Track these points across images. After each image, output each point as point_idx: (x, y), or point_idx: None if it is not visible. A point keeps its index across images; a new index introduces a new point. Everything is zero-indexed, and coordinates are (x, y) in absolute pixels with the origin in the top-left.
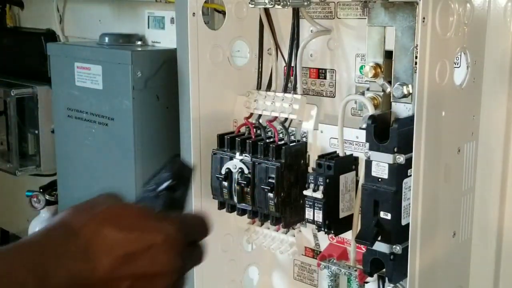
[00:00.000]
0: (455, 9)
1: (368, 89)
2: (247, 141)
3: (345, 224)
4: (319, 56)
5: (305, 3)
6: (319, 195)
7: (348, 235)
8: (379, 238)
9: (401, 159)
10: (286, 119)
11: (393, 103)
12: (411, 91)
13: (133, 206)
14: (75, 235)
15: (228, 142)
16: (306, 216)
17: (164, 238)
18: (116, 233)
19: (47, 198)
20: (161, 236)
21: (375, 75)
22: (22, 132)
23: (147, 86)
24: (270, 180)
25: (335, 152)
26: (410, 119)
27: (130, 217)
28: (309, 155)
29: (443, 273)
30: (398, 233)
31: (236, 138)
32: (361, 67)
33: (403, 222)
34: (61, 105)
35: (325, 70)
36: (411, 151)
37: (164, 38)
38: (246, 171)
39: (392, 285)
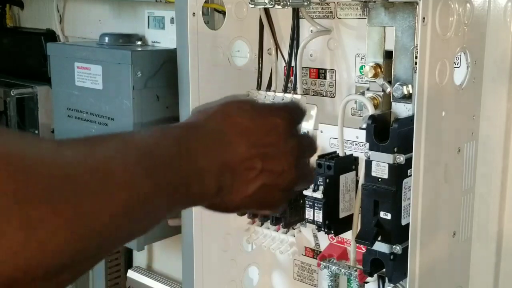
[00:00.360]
0: (455, 9)
1: (368, 89)
2: None
3: (345, 224)
4: (319, 56)
5: (305, 3)
6: (319, 195)
7: (348, 235)
8: (379, 238)
9: (401, 159)
10: None
11: (393, 103)
12: (411, 91)
13: (249, 99)
14: (210, 127)
15: None
16: (306, 216)
17: (281, 119)
18: (244, 120)
19: None
20: (279, 119)
21: (375, 75)
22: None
23: (147, 86)
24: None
25: (335, 152)
26: (410, 119)
27: (251, 107)
28: None
29: (443, 273)
30: (398, 233)
31: None
32: (361, 67)
33: (403, 222)
34: (61, 105)
35: (325, 70)
36: (411, 151)
37: (164, 38)
38: None
39: (392, 285)
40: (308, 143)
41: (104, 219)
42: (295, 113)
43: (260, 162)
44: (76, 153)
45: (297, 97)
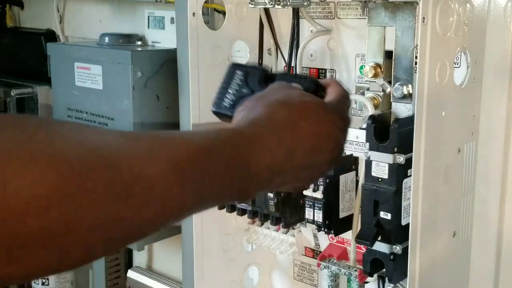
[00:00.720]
0: (455, 9)
1: (368, 89)
2: None
3: (345, 224)
4: (319, 56)
5: (305, 3)
6: (319, 195)
7: (348, 235)
8: (379, 238)
9: (401, 159)
10: None
11: (393, 103)
12: (411, 91)
13: (313, 100)
14: (271, 128)
15: None
16: (306, 216)
17: (336, 130)
18: (307, 126)
19: None
20: (335, 128)
21: (375, 75)
22: None
23: (147, 86)
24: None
25: None
26: (410, 119)
27: (315, 111)
28: None
29: (443, 273)
30: (398, 233)
31: None
32: (361, 67)
33: (403, 222)
34: (61, 105)
35: (325, 70)
36: (411, 151)
37: (164, 38)
38: None
39: (392, 285)
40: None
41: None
42: (346, 110)
43: (308, 172)
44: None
45: None
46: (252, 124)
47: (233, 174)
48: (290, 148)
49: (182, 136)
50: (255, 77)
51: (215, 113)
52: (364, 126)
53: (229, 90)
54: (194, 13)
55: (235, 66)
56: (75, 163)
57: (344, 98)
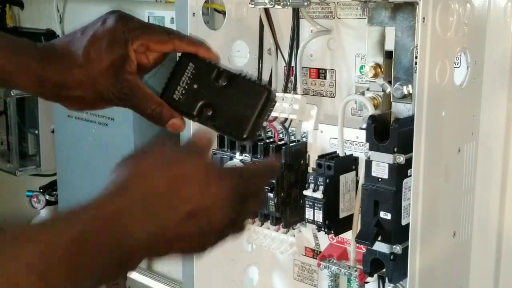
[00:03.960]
0: (455, 9)
1: (368, 89)
2: None
3: (345, 224)
4: (319, 56)
5: (305, 3)
6: (319, 195)
7: (348, 235)
8: (379, 238)
9: (401, 159)
10: (286, 119)
11: (393, 103)
12: (411, 91)
13: (200, 162)
14: (134, 202)
15: (228, 142)
16: (306, 216)
17: (224, 196)
18: (187, 190)
19: (47, 198)
20: (222, 195)
21: (375, 75)
22: (22, 132)
23: (147, 86)
24: (270, 180)
25: (335, 152)
26: (410, 119)
27: (194, 176)
28: (309, 155)
29: (443, 273)
30: (398, 233)
31: None
32: (361, 67)
33: (403, 222)
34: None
35: (325, 70)
36: (411, 151)
37: None
38: None
39: (392, 285)
40: (247, 181)
41: None
42: (249, 184)
43: (190, 221)
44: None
45: (297, 97)
46: (120, 195)
47: (108, 257)
48: (161, 217)
49: (39, 240)
50: (207, 73)
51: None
52: (364, 126)
53: (179, 82)
54: (194, 13)
55: (188, 57)
56: None
57: (252, 169)
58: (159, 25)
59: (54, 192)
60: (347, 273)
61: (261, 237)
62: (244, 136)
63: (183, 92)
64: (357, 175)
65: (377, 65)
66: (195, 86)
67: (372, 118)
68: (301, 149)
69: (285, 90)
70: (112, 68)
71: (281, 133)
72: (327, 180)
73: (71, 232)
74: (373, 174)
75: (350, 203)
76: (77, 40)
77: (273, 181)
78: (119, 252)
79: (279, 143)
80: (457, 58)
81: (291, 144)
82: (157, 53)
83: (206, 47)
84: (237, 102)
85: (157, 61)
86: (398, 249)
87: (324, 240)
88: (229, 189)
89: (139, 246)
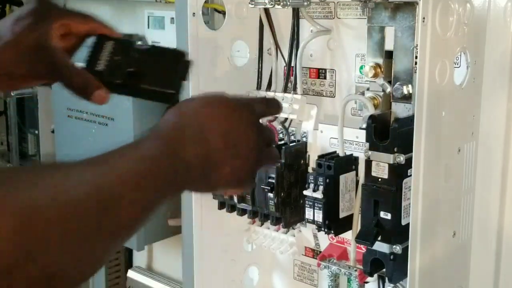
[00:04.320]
0: (455, 9)
1: (368, 89)
2: None
3: (345, 224)
4: (319, 56)
5: (305, 3)
6: (319, 195)
7: (348, 235)
8: (379, 238)
9: (401, 159)
10: (286, 119)
11: (393, 103)
12: (411, 91)
13: (225, 96)
14: (191, 127)
15: None
16: (306, 216)
17: (252, 120)
18: (219, 116)
19: None
20: (250, 120)
21: (375, 75)
22: (22, 132)
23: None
24: (270, 180)
25: (335, 152)
26: (410, 119)
27: (227, 105)
28: (309, 155)
29: (443, 273)
30: (398, 233)
31: None
32: (361, 67)
33: (403, 222)
34: (61, 105)
35: (325, 70)
36: (411, 151)
37: (164, 38)
38: None
39: (392, 285)
40: (269, 133)
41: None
42: (262, 106)
43: (231, 151)
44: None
45: (297, 97)
46: (172, 127)
47: (175, 172)
48: (203, 131)
49: (134, 155)
50: (127, 47)
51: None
52: (364, 126)
53: (101, 56)
54: (194, 13)
55: (104, 37)
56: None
57: (264, 101)
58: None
59: None
60: (347, 273)
61: (261, 237)
62: (172, 91)
63: (107, 64)
64: (357, 175)
65: (377, 65)
66: (117, 58)
67: (372, 118)
68: (301, 149)
69: (285, 90)
70: (38, 44)
71: (281, 133)
72: (327, 180)
73: (147, 153)
74: (373, 174)
75: (350, 203)
76: (3, 22)
77: (273, 181)
78: (179, 169)
79: (279, 143)
80: (457, 58)
81: (291, 144)
82: (76, 37)
83: (118, 32)
84: (159, 66)
85: (76, 45)
86: (398, 249)
87: (324, 240)
88: (253, 116)
89: (192, 165)
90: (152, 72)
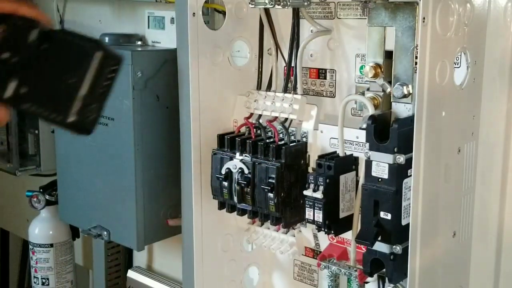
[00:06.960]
0: (455, 9)
1: (368, 89)
2: (247, 141)
3: (345, 224)
4: (319, 56)
5: (305, 3)
6: (319, 195)
7: (348, 235)
8: (379, 238)
9: (401, 159)
10: (286, 119)
11: (393, 103)
12: (411, 91)
13: None
14: None
15: (228, 142)
16: (306, 216)
17: None
18: None
19: (47, 198)
20: None
21: (375, 75)
22: (22, 132)
23: (147, 86)
24: (270, 180)
25: (335, 152)
26: (410, 119)
27: None
28: (309, 155)
29: (443, 273)
30: (398, 233)
31: (236, 138)
32: (361, 67)
33: (403, 222)
34: None
35: (325, 70)
36: (411, 151)
37: (164, 38)
38: (246, 171)
39: (392, 285)
40: None
41: None
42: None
43: None
44: None
45: (297, 97)
46: None
47: None
48: None
49: None
50: (23, 36)
51: None
52: (364, 126)
53: None
54: (194, 13)
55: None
56: None
57: None
58: None
59: (54, 192)
60: (347, 273)
61: (261, 237)
62: (69, 120)
63: None
64: (357, 175)
65: (377, 65)
66: (6, 56)
67: (372, 118)
68: (301, 149)
69: (285, 90)
70: None
71: (281, 133)
72: (327, 180)
73: None
74: (373, 174)
75: (350, 203)
76: None
77: (273, 181)
78: None
79: (279, 143)
80: (457, 58)
81: (291, 144)
82: None
83: (30, 4)
84: (60, 72)
85: None
86: (398, 249)
87: (324, 240)
88: None
89: None
90: (49, 84)
